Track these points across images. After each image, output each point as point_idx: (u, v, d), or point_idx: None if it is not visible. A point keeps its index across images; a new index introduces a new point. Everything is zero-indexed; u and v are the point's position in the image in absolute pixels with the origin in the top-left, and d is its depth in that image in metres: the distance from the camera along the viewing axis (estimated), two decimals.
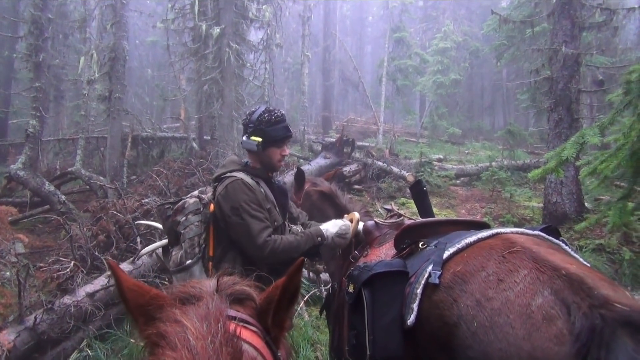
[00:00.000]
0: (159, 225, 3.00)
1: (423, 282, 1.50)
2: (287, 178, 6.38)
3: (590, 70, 9.44)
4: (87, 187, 8.65)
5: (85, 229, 5.16)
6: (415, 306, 1.49)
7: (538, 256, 1.31)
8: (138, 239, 4.92)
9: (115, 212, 5.46)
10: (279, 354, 0.82)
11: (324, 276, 4.66)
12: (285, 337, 0.87)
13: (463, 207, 8.68)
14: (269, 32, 10.75)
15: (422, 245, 1.77)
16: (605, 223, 4.08)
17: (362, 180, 9.79)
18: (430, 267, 1.52)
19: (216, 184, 2.24)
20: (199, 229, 2.16)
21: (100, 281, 4.07)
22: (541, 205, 7.62)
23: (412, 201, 7.80)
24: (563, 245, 1.53)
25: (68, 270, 4.10)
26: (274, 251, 2.04)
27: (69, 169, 8.91)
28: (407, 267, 1.68)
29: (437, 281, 1.45)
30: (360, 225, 2.30)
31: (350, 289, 1.70)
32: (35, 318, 3.40)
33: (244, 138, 2.23)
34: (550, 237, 1.54)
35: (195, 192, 2.32)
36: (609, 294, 1.11)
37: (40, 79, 8.33)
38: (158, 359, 0.65)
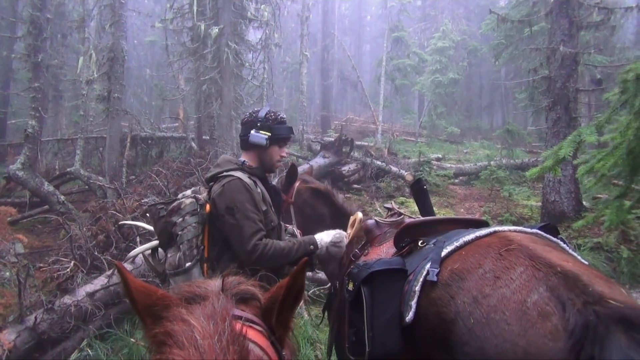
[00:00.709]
0: (146, 226, 2.92)
1: (421, 279, 1.52)
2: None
3: (588, 69, 9.44)
4: (86, 187, 8.64)
5: (84, 229, 5.16)
6: (413, 303, 1.51)
7: (534, 254, 1.32)
8: (138, 239, 4.93)
9: (115, 212, 5.47)
10: (283, 353, 0.82)
11: (322, 275, 4.66)
12: (289, 337, 0.87)
13: (462, 206, 8.70)
14: (267, 31, 10.75)
15: (421, 243, 1.79)
16: (602, 221, 4.09)
17: (361, 180, 9.81)
18: (428, 265, 1.54)
19: (211, 183, 2.19)
20: (197, 231, 2.09)
21: (100, 281, 4.07)
22: (539, 204, 7.64)
23: (411, 200, 7.84)
24: (561, 243, 1.54)
25: (68, 270, 4.11)
26: (263, 256, 1.99)
27: (68, 169, 8.87)
28: (406, 265, 1.70)
29: (435, 279, 1.47)
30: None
31: (350, 286, 1.72)
32: (36, 318, 3.41)
33: (253, 132, 2.18)
34: (548, 235, 1.56)
35: (189, 192, 2.23)
36: (603, 291, 1.12)
37: (39, 79, 8.33)
38: (166, 357, 0.65)
